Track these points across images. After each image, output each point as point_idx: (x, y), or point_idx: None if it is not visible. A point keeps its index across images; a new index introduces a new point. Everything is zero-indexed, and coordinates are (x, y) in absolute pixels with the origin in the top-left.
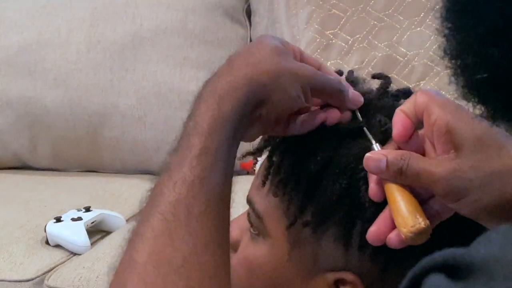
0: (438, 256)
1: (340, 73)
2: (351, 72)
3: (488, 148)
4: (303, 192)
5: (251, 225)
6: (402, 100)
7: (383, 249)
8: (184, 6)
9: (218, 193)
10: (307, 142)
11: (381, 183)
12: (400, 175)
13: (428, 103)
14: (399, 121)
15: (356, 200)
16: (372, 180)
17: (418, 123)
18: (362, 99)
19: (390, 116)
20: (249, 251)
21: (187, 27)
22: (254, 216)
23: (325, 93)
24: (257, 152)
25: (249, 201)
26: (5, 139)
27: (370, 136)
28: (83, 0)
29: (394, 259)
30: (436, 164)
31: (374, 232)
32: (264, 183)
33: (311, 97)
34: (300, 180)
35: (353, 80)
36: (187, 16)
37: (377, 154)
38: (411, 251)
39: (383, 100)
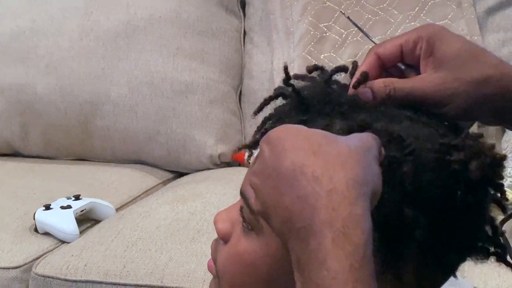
0: None
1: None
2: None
3: (466, 62)
4: None
5: (244, 219)
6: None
7: (380, 250)
8: None
9: None
10: None
11: None
12: (389, 99)
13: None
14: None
15: None
16: None
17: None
18: None
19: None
20: (241, 246)
21: (181, 17)
22: (248, 211)
23: None
24: (253, 145)
25: (242, 194)
26: None
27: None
28: None
29: (389, 262)
30: (422, 81)
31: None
32: None
33: None
34: None
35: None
36: (181, 6)
37: (361, 89)
38: (405, 256)
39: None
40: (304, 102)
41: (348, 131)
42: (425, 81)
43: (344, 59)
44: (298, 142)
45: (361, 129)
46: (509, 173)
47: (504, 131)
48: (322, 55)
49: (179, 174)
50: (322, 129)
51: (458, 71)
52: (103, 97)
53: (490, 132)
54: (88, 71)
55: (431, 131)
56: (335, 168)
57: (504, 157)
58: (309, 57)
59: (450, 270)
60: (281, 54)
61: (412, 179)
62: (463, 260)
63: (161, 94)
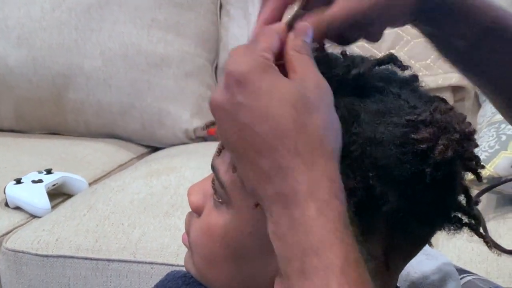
0: None
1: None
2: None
3: None
4: None
5: (215, 192)
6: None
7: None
8: None
9: None
10: None
11: None
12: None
13: None
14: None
15: None
16: None
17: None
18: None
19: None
20: (212, 219)
21: None
22: (218, 184)
23: None
24: None
25: (213, 168)
26: None
27: None
28: None
29: (357, 237)
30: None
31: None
32: (220, 152)
33: None
34: None
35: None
36: None
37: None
38: (373, 230)
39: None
40: None
41: None
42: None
43: None
44: (275, 101)
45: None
46: (484, 147)
47: (480, 106)
48: None
49: (154, 149)
50: None
51: None
52: (76, 69)
53: (466, 107)
54: (61, 42)
55: (400, 103)
56: (314, 145)
57: (473, 132)
58: None
59: (422, 243)
60: None
61: (379, 155)
62: (434, 231)
63: (135, 67)
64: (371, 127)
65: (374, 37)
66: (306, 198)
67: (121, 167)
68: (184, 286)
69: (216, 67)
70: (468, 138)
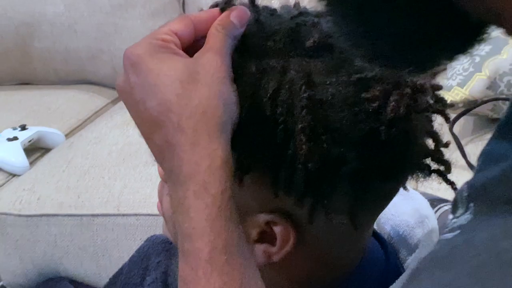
0: None
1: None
2: None
3: None
4: None
5: None
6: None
7: (309, 192)
8: None
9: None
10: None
11: None
12: None
13: None
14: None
15: (280, 144)
16: None
17: None
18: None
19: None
20: None
21: None
22: None
23: None
24: None
25: None
26: None
27: None
28: None
29: (320, 202)
30: None
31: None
32: None
33: None
34: None
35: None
36: None
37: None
38: (336, 194)
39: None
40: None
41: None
42: None
43: None
44: (162, 77)
45: (277, 70)
46: (459, 70)
47: None
48: None
49: None
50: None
51: None
52: (39, 17)
53: None
54: None
55: (350, 60)
56: (198, 118)
57: (425, 84)
58: None
59: (389, 196)
60: None
61: (331, 117)
62: (402, 183)
63: (99, 10)
64: (321, 89)
65: None
66: (186, 179)
67: (97, 113)
68: (164, 253)
69: (183, 3)
70: (421, 91)
